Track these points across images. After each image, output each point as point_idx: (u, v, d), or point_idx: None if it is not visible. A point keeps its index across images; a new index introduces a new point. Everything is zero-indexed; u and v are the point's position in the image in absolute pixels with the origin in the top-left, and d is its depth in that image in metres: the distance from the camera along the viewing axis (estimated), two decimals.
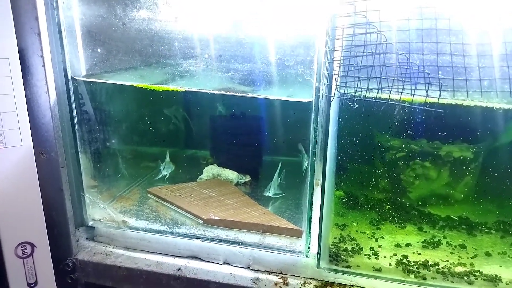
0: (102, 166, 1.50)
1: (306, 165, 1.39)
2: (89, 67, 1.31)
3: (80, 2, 1.21)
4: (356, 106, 0.98)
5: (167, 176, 1.75)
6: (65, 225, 1.32)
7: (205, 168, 1.80)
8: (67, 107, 1.28)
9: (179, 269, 1.28)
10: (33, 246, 1.22)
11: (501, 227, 1.42)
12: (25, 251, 1.21)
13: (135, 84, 1.28)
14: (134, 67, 1.26)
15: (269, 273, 1.27)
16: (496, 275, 1.17)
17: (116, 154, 1.61)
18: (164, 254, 1.34)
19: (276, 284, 1.22)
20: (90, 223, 1.42)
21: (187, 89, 1.24)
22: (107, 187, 1.55)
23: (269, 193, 1.59)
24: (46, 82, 1.16)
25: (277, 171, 1.62)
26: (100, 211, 1.44)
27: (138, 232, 1.37)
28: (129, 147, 1.73)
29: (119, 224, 1.39)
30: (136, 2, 1.15)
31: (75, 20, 1.23)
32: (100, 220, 1.41)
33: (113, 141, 1.59)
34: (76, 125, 1.31)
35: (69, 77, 1.25)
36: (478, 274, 1.18)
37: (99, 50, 1.27)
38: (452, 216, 1.46)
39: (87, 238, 1.43)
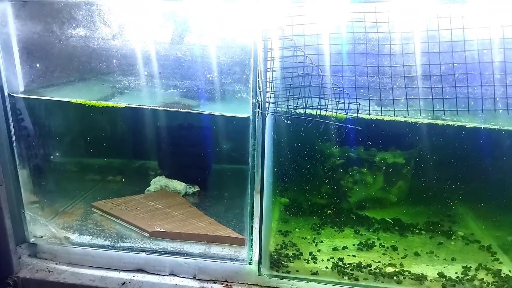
0: (43, 181, 1.47)
1: None
2: (27, 83, 1.29)
3: (16, 19, 1.20)
4: (289, 122, 1.05)
5: None
6: (5, 243, 1.29)
7: (153, 179, 1.80)
8: (4, 124, 1.26)
9: (124, 283, 1.28)
10: None
11: (431, 227, 1.53)
12: None
13: (74, 100, 1.27)
14: (72, 83, 1.26)
15: (215, 281, 1.30)
16: (422, 274, 1.27)
17: (59, 168, 1.59)
18: (109, 268, 1.34)
19: None
20: (32, 240, 1.40)
21: (127, 105, 1.26)
22: (49, 203, 1.52)
23: None
24: None
25: None
26: (42, 227, 1.41)
27: (81, 247, 1.36)
28: (73, 161, 1.71)
29: (62, 241, 1.37)
30: (73, 20, 1.16)
31: (12, 36, 1.22)
32: (42, 237, 1.39)
33: (57, 154, 1.57)
34: (14, 142, 1.29)
35: (6, 94, 1.23)
36: (406, 273, 1.27)
37: (37, 66, 1.26)
38: (387, 219, 1.56)
39: (29, 255, 1.40)
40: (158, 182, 1.78)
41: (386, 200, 1.61)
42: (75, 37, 1.17)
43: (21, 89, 1.30)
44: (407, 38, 1.01)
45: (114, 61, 1.18)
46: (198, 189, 1.82)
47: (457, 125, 1.19)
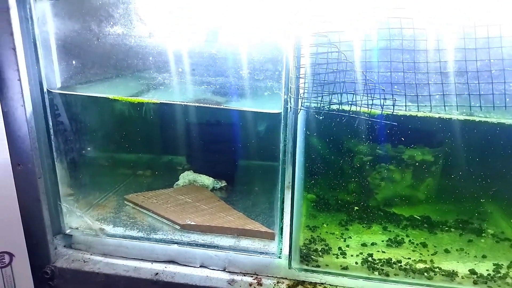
0: (78, 175, 1.52)
1: None
2: (64, 79, 1.33)
3: (55, 18, 1.24)
4: (322, 117, 1.06)
5: None
6: (43, 233, 1.34)
7: (181, 174, 1.84)
8: (43, 119, 1.30)
9: (157, 273, 1.32)
10: (11, 255, 1.24)
11: (460, 225, 1.52)
12: (3, 260, 1.23)
13: (110, 96, 1.31)
14: (109, 79, 1.30)
15: (244, 274, 1.33)
16: (453, 270, 1.26)
17: (92, 162, 1.64)
18: (142, 259, 1.38)
19: (250, 284, 1.28)
20: (68, 231, 1.45)
21: (161, 101, 1.29)
22: (84, 195, 1.57)
23: None
24: (22, 96, 1.18)
25: None
26: (77, 219, 1.46)
27: (115, 239, 1.41)
28: (105, 155, 1.76)
29: (97, 232, 1.42)
30: (111, 19, 1.19)
31: (50, 34, 1.26)
32: (77, 228, 1.44)
33: (89, 149, 1.62)
34: (52, 136, 1.33)
35: (45, 90, 1.27)
36: (437, 270, 1.27)
37: (74, 63, 1.30)
38: (415, 216, 1.55)
39: (65, 246, 1.45)
40: (186, 176, 1.81)
41: (414, 197, 1.60)
42: (112, 35, 1.21)
43: (59, 85, 1.34)
44: (441, 35, 1.01)
45: (150, 58, 1.21)
46: (225, 184, 1.84)
47: (494, 122, 1.17)
